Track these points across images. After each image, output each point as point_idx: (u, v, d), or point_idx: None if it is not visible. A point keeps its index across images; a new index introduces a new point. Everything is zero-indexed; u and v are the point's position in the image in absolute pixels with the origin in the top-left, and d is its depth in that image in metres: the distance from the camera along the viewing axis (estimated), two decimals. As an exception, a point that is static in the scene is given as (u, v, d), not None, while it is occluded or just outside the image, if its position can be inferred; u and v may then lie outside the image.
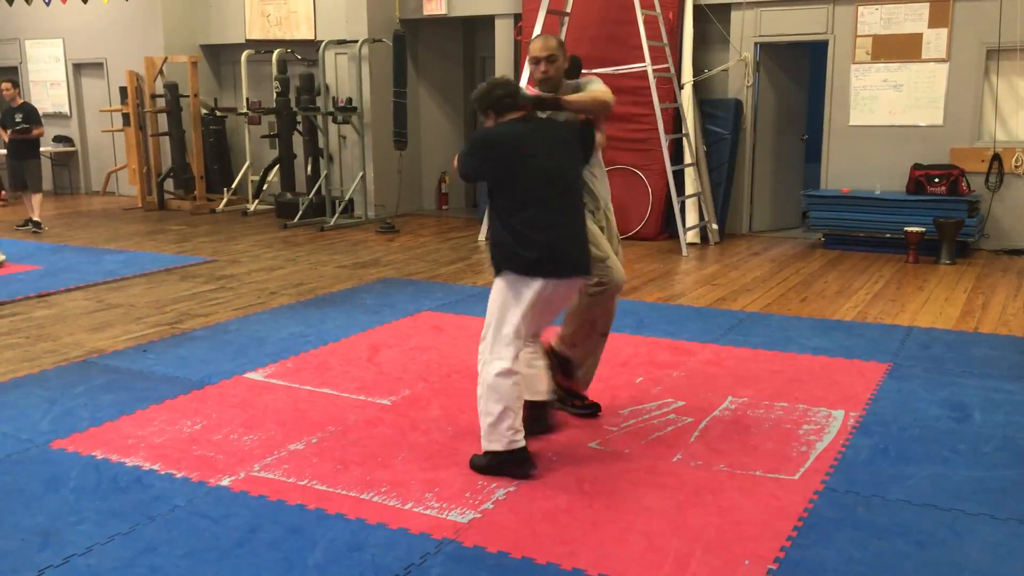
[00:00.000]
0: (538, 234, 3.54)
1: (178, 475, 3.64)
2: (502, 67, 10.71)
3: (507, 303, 3.60)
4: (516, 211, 3.58)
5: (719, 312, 6.31)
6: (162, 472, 3.67)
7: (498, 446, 3.57)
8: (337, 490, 3.49)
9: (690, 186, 9.21)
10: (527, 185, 3.60)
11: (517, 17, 10.37)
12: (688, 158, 9.18)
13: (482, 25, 11.46)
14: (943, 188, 8.42)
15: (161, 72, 12.00)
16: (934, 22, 8.66)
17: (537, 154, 3.63)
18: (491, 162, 3.67)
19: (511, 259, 3.57)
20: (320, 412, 4.35)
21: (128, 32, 12.73)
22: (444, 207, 12.05)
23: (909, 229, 8.12)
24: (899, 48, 8.83)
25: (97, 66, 13.45)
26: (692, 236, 9.02)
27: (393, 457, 3.80)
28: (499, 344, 3.59)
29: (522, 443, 3.57)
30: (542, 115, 3.81)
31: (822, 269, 7.85)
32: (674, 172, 8.88)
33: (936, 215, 8.20)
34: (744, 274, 7.63)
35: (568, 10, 9.54)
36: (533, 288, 3.55)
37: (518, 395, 3.58)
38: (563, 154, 3.73)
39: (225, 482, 3.57)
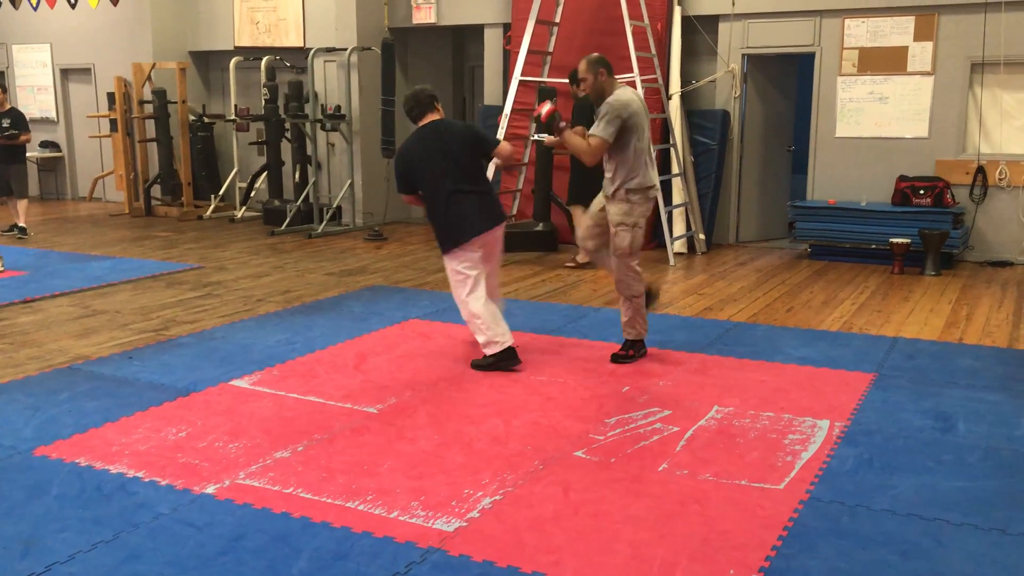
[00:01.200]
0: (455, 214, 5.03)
1: (162, 483, 3.62)
2: (491, 76, 10.75)
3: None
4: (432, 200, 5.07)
5: (706, 322, 6.33)
6: (146, 479, 3.65)
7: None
8: (322, 498, 3.48)
9: (677, 196, 9.25)
10: (431, 184, 5.04)
11: (506, 27, 10.41)
12: (676, 168, 9.22)
13: (471, 34, 11.49)
14: (928, 200, 8.48)
15: (149, 78, 11.97)
16: (919, 35, 8.73)
17: (434, 157, 4.99)
18: (403, 177, 5.13)
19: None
20: (306, 420, 4.34)
21: (116, 38, 12.71)
22: (432, 215, 12.04)
23: (894, 240, 8.17)
24: (885, 61, 8.90)
25: (85, 72, 13.41)
26: (679, 246, 9.06)
27: (379, 465, 3.79)
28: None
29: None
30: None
31: (808, 280, 7.89)
32: (662, 182, 8.88)
33: (921, 227, 8.25)
34: (731, 284, 7.66)
35: (557, 20, 9.58)
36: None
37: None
38: (458, 149, 5.01)
39: (210, 490, 3.55)
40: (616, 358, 5.30)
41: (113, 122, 12.32)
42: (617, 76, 8.89)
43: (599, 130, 4.96)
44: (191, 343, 5.73)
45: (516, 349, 5.16)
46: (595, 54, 5.14)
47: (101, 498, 3.49)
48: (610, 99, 4.98)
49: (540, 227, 9.11)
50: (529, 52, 9.26)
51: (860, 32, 8.97)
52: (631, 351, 5.32)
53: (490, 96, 10.76)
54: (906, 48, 8.80)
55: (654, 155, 5.17)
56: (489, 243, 5.15)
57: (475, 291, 5.07)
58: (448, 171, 5.00)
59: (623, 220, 5.10)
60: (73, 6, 13.11)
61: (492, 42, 10.69)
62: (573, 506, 3.41)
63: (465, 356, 5.39)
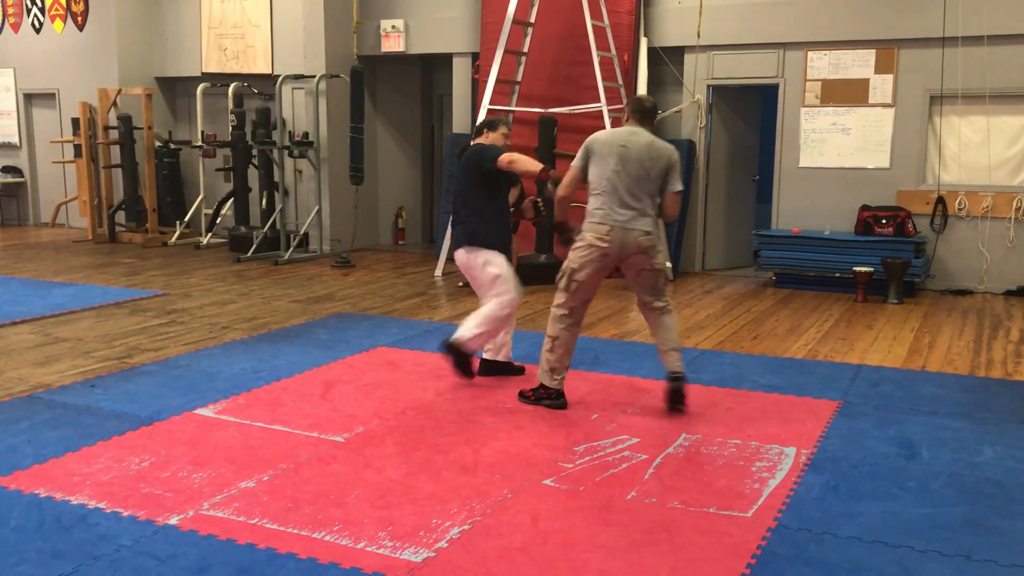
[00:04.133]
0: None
1: (124, 514, 3.56)
2: (460, 104, 10.80)
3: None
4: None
5: (673, 349, 6.35)
6: (108, 511, 3.58)
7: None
8: (288, 529, 3.43)
9: (645, 224, 9.30)
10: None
11: (475, 56, 10.48)
12: (643, 197, 9.28)
13: (440, 63, 11.55)
14: (890, 229, 8.62)
15: (115, 104, 11.88)
16: (880, 68, 8.92)
17: None
18: None
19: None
20: (272, 449, 4.29)
21: (82, 63, 12.62)
22: (401, 242, 12.05)
23: (858, 269, 8.29)
24: (847, 92, 9.07)
25: (49, 97, 13.29)
26: (646, 274, 9.10)
27: (346, 495, 3.75)
28: None
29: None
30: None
31: (773, 307, 7.97)
32: (629, 210, 8.96)
33: (884, 255, 8.38)
34: (697, 312, 7.72)
35: (525, 50, 9.66)
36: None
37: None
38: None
39: (173, 521, 3.49)
40: (521, 394, 5.09)
41: (77, 147, 12.20)
42: (585, 105, 9.09)
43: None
44: (155, 371, 5.65)
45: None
46: (635, 97, 5.07)
47: (61, 530, 3.42)
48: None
49: (543, 259, 9.05)
50: (498, 81, 9.33)
51: (822, 64, 9.14)
52: (531, 393, 5.03)
53: (459, 124, 10.81)
54: (867, 80, 8.98)
55: (632, 197, 4.71)
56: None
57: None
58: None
59: (569, 254, 4.89)
60: (38, 31, 13.04)
61: (461, 71, 10.76)
62: (542, 535, 3.40)
63: (434, 385, 5.37)
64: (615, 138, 4.79)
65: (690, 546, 3.32)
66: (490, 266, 5.21)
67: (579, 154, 4.84)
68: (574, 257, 4.79)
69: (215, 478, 3.93)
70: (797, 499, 3.76)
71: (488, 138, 5.44)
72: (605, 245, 4.71)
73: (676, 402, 4.86)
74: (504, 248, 5.32)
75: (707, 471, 4.06)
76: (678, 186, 4.81)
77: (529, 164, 5.08)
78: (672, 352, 4.88)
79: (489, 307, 5.22)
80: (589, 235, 4.75)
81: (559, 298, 4.88)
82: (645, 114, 4.89)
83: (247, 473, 3.98)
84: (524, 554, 3.25)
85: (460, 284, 8.79)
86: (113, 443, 4.35)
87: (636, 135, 4.78)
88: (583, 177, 4.83)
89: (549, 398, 4.96)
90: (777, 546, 3.33)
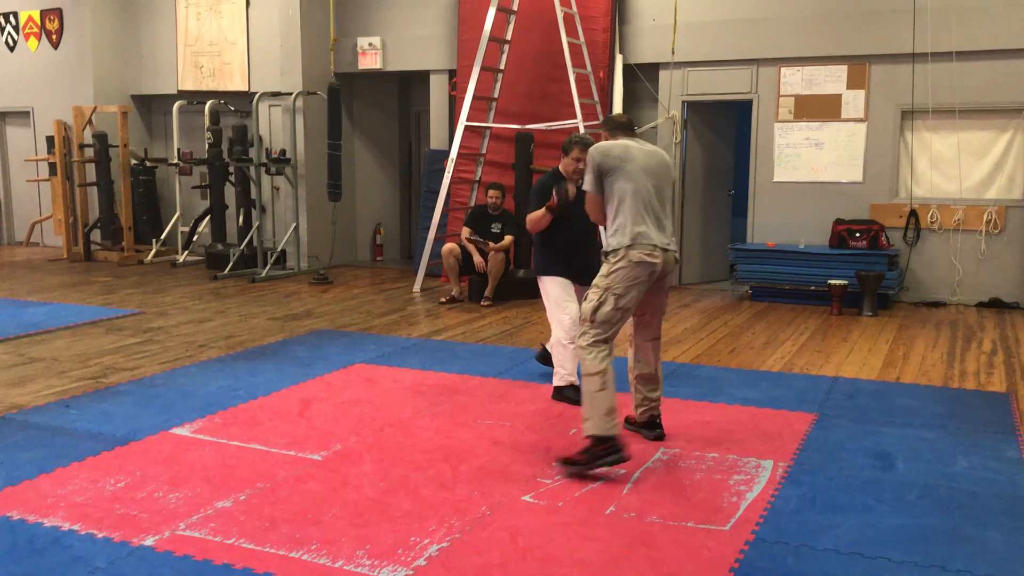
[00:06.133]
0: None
1: (99, 535, 3.52)
2: (437, 121, 10.83)
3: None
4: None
5: (651, 364, 6.37)
6: (82, 532, 3.54)
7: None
8: (265, 548, 3.41)
9: (622, 239, 9.34)
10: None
11: (452, 73, 10.52)
12: (620, 212, 9.33)
13: (417, 80, 11.59)
14: (864, 242, 8.71)
15: (90, 122, 11.82)
16: (852, 84, 9.03)
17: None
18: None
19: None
20: (249, 468, 4.26)
21: (57, 81, 12.55)
22: (379, 258, 12.03)
23: (833, 282, 8.36)
24: (820, 108, 9.18)
25: (23, 115, 13.20)
26: (624, 288, 9.13)
27: (323, 514, 3.74)
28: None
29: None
30: None
31: (750, 321, 8.02)
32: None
33: (858, 268, 8.46)
34: (674, 325, 7.75)
35: (502, 67, 9.71)
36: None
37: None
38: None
39: (149, 542, 3.46)
40: (564, 460, 4.25)
41: (52, 166, 12.11)
42: (561, 122, 9.14)
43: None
44: (131, 390, 5.61)
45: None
46: (608, 116, 4.75)
47: (34, 552, 3.38)
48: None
49: (521, 274, 9.04)
50: (475, 98, 9.37)
51: (795, 80, 9.25)
52: (580, 455, 4.17)
53: (436, 141, 10.83)
54: (840, 96, 9.09)
55: (659, 208, 4.39)
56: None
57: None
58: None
59: (597, 281, 4.33)
60: (12, 49, 12.97)
61: (438, 88, 10.79)
62: (521, 552, 3.39)
63: (412, 402, 5.36)
64: (620, 150, 4.37)
65: (669, 560, 3.33)
66: (546, 300, 5.52)
67: (591, 177, 4.39)
68: (615, 280, 4.24)
69: (191, 498, 3.90)
70: (775, 512, 3.77)
71: (561, 163, 5.44)
72: (656, 261, 4.28)
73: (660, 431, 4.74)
74: (557, 271, 5.45)
75: (685, 485, 4.07)
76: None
77: (533, 220, 5.42)
78: (659, 390, 4.76)
79: (553, 341, 5.55)
80: (635, 252, 4.24)
81: (592, 330, 4.27)
82: (627, 127, 4.60)
83: (224, 493, 3.96)
84: (503, 571, 3.24)
85: (442, 300, 8.78)
86: (88, 464, 4.31)
87: (642, 145, 4.47)
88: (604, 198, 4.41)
89: (612, 452, 4.13)
90: (755, 559, 3.34)
